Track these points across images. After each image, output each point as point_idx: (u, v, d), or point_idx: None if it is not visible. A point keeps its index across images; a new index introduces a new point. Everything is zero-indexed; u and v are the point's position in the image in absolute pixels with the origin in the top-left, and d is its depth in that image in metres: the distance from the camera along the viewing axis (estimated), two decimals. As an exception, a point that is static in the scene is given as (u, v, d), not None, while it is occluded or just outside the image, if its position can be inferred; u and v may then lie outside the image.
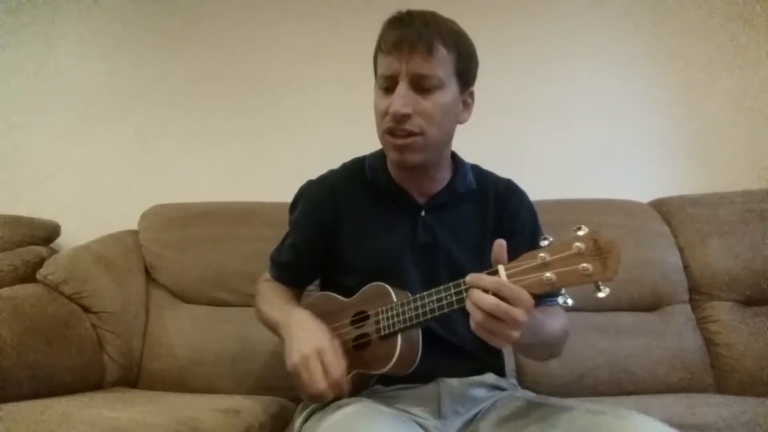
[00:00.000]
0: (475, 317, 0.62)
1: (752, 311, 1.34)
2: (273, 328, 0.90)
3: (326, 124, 1.75)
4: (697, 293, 1.38)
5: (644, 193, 1.57)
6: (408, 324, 0.74)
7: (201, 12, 1.81)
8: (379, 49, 0.83)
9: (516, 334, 0.61)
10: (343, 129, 1.72)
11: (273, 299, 0.94)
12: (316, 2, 1.79)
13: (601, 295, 0.58)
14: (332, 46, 1.77)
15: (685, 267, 1.40)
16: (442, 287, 0.71)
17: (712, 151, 1.67)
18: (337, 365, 0.75)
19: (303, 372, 0.74)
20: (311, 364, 0.74)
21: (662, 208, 1.50)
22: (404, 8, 0.82)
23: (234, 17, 1.81)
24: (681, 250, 1.41)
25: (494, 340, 0.62)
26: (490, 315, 0.60)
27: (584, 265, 0.57)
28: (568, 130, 1.71)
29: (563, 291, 0.62)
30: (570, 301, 0.62)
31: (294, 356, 0.76)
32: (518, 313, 0.60)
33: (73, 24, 1.82)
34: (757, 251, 1.35)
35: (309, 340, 0.77)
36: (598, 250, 0.57)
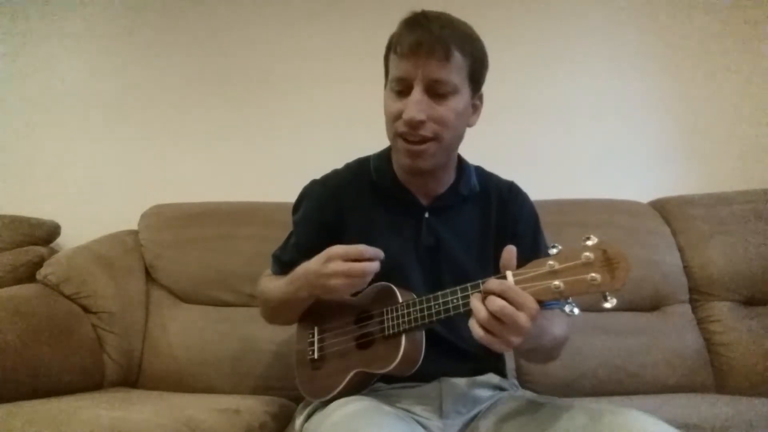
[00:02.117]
0: (479, 317, 0.61)
1: (752, 311, 1.35)
2: (285, 298, 0.88)
3: (326, 124, 1.74)
4: (697, 293, 1.39)
5: (644, 193, 1.57)
6: (412, 325, 0.74)
7: (201, 12, 1.81)
8: (393, 51, 0.80)
9: (517, 339, 0.61)
10: (343, 129, 1.72)
11: (276, 281, 0.93)
12: (317, 2, 1.79)
13: (608, 305, 0.57)
14: (332, 46, 1.77)
15: (685, 267, 1.40)
16: (448, 290, 0.71)
17: (712, 151, 1.67)
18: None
19: (329, 276, 0.76)
20: (330, 266, 0.76)
21: (662, 208, 1.50)
22: (419, 8, 0.80)
23: (234, 18, 1.80)
24: (681, 250, 1.41)
25: (495, 344, 0.61)
26: (494, 317, 0.60)
27: (593, 274, 0.57)
28: (569, 131, 1.71)
29: (570, 300, 0.61)
30: (576, 311, 0.61)
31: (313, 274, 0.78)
32: (522, 318, 0.59)
33: (74, 25, 1.82)
34: (757, 251, 1.36)
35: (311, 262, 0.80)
36: (607, 261, 0.57)
